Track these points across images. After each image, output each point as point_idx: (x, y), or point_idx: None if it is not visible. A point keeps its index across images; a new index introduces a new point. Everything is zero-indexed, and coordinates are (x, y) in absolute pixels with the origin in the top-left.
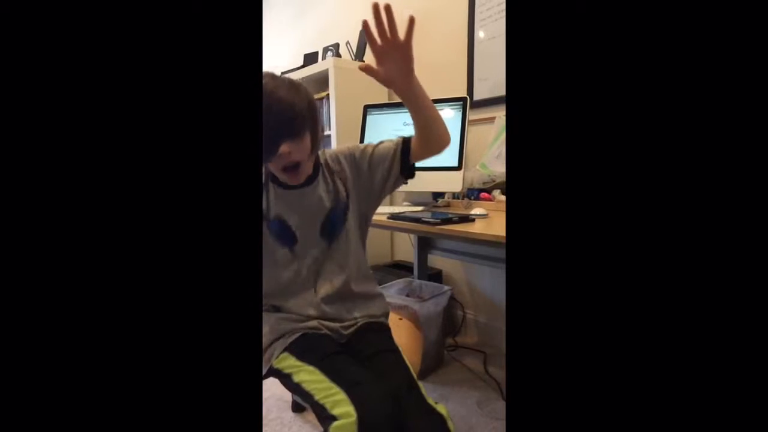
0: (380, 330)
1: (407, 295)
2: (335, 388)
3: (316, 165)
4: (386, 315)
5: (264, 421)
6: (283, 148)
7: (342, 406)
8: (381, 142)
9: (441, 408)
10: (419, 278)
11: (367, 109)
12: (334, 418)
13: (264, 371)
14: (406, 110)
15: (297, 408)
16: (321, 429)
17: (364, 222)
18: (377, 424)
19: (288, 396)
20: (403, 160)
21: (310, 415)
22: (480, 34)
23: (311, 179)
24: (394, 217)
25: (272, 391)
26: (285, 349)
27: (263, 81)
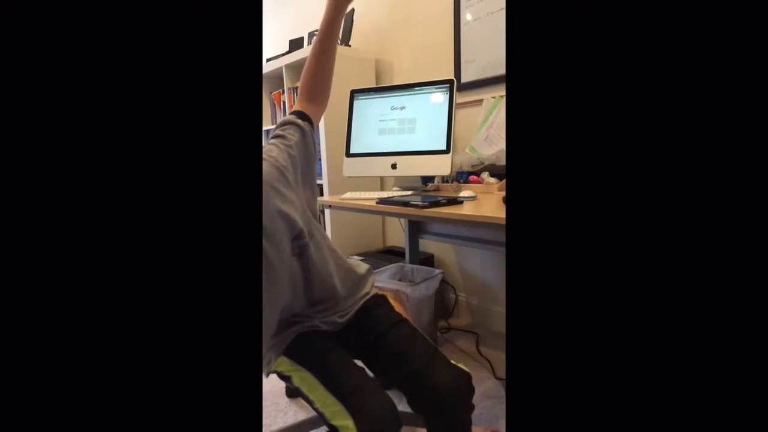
0: (381, 304)
1: (399, 280)
2: (331, 398)
3: None
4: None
5: None
6: None
7: (340, 419)
8: (273, 146)
9: (465, 368)
10: (411, 263)
11: (354, 93)
12: (335, 429)
13: (265, 377)
14: (393, 94)
15: (291, 394)
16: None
17: (315, 215)
18: (382, 431)
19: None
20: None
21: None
22: (467, 16)
23: None
24: (383, 201)
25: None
26: (283, 353)
27: None
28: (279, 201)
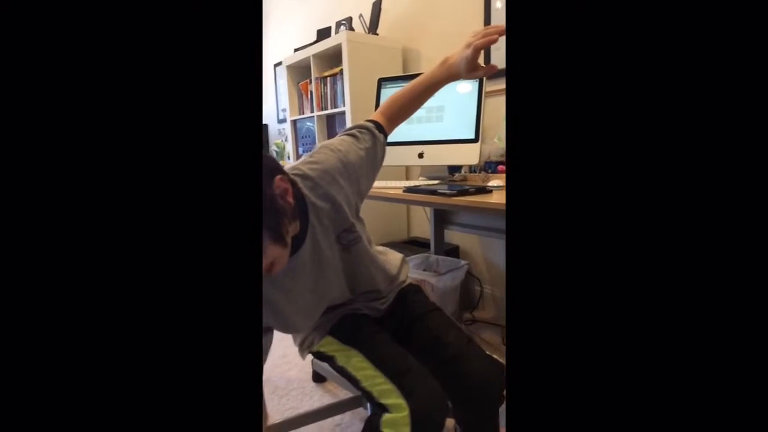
0: (416, 291)
1: (424, 270)
2: (381, 377)
3: (302, 211)
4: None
5: (286, 391)
6: None
7: (391, 397)
8: (345, 142)
9: (499, 359)
10: (436, 253)
11: (382, 82)
12: (383, 407)
13: (303, 357)
14: None
15: (318, 378)
16: (339, 398)
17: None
18: (431, 416)
19: (309, 367)
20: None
21: (331, 385)
22: (497, 3)
23: (299, 241)
24: (409, 190)
25: (295, 362)
26: (328, 333)
27: None
28: (335, 191)
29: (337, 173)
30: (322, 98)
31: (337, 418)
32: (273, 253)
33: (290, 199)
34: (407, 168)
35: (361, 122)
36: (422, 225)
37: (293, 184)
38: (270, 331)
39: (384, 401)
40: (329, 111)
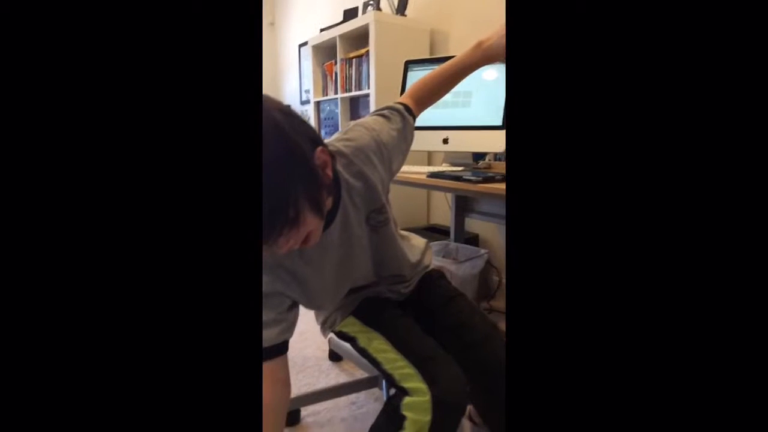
0: (440, 277)
1: (443, 257)
2: (403, 361)
3: (336, 185)
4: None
5: (302, 368)
6: (280, 241)
7: (412, 381)
8: (378, 122)
9: None
10: (455, 241)
11: (409, 64)
12: (404, 390)
13: (325, 336)
14: None
15: (334, 357)
16: (355, 378)
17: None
18: (454, 403)
19: (326, 346)
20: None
21: (347, 365)
22: None
23: (330, 217)
24: (433, 175)
25: (312, 339)
26: (351, 313)
27: None
28: (369, 170)
29: (371, 152)
30: (347, 80)
31: (352, 396)
32: (311, 225)
33: (329, 172)
34: (430, 153)
35: (390, 104)
36: (442, 212)
37: (332, 156)
38: (296, 306)
39: (405, 385)
40: (353, 93)
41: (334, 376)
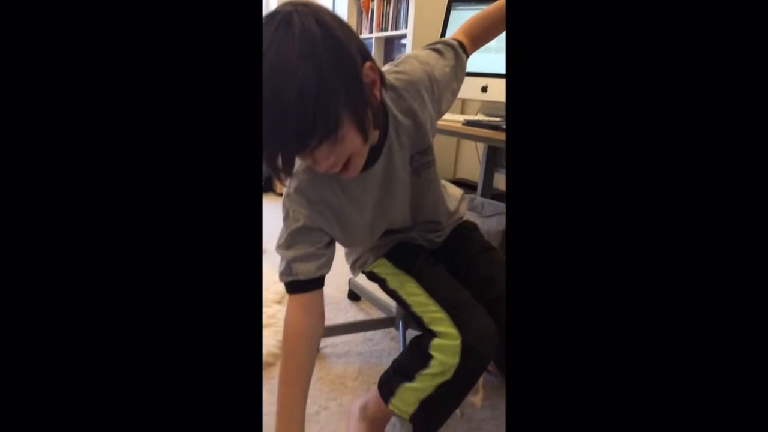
0: (473, 229)
1: (469, 210)
2: (434, 306)
3: (383, 116)
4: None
5: None
6: (318, 154)
7: (443, 325)
8: (431, 56)
9: None
10: (482, 196)
11: (452, 3)
12: (433, 333)
13: (355, 275)
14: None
15: (353, 297)
16: (372, 316)
17: None
18: (482, 351)
19: (345, 286)
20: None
21: (365, 305)
22: None
23: (376, 154)
24: (470, 123)
25: (331, 279)
26: (383, 255)
27: (263, 41)
28: (419, 107)
29: (422, 87)
30: (384, 18)
31: (369, 333)
32: (353, 145)
33: (377, 93)
34: (464, 102)
35: (444, 39)
36: (470, 166)
37: (382, 80)
38: (333, 243)
39: (435, 328)
40: (389, 33)
41: (353, 314)
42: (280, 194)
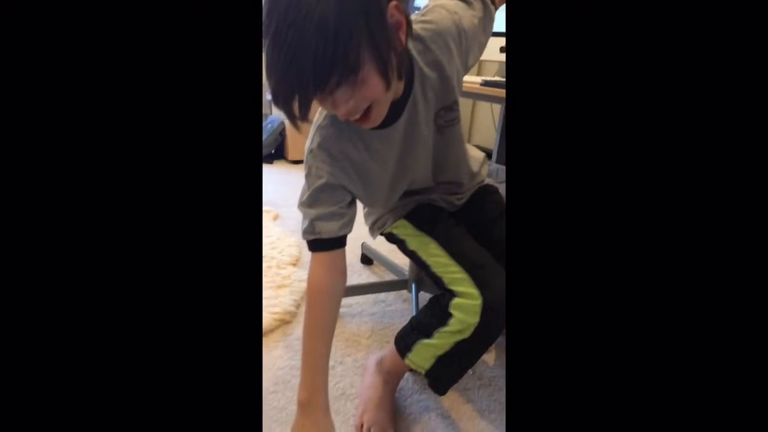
0: (493, 193)
1: None
2: (455, 266)
3: (407, 68)
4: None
5: None
6: (337, 97)
7: (463, 285)
8: (459, 5)
9: None
10: (497, 162)
11: None
12: (453, 293)
13: (374, 237)
14: None
15: (365, 260)
16: (384, 279)
17: None
18: (503, 312)
19: (358, 250)
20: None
21: (377, 268)
22: None
23: (399, 109)
24: (488, 84)
25: None
26: (403, 217)
27: None
28: (446, 59)
29: (450, 38)
30: None
31: (382, 295)
32: (374, 90)
33: (402, 36)
34: (481, 63)
35: None
36: (485, 133)
37: (408, 25)
38: (354, 202)
39: (455, 288)
40: None
41: (366, 277)
42: (292, 161)
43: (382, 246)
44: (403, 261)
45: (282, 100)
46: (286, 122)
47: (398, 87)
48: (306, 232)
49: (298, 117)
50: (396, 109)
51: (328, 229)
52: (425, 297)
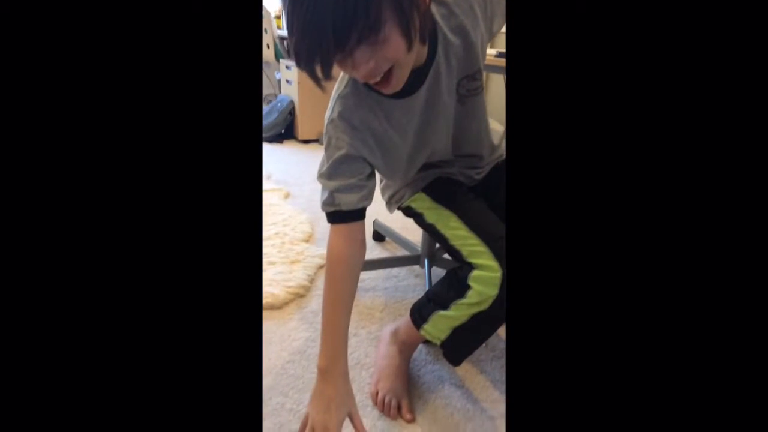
0: None
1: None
2: (474, 239)
3: (430, 33)
4: None
5: None
6: (357, 57)
7: (482, 258)
8: None
9: None
10: None
11: None
12: (471, 266)
13: (391, 211)
14: None
15: (378, 237)
16: (395, 254)
17: None
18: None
19: (370, 227)
20: None
21: (389, 245)
22: None
23: (421, 76)
24: (502, 55)
25: None
26: (421, 190)
27: None
28: (470, 25)
29: (475, 2)
30: None
31: (395, 270)
32: (395, 51)
33: None
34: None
35: None
36: (497, 109)
37: None
38: (374, 175)
39: (474, 260)
40: None
41: (378, 253)
42: (303, 141)
43: (394, 223)
44: (415, 237)
45: (304, 60)
46: (296, 101)
47: (421, 52)
48: (325, 204)
49: (321, 77)
50: (417, 77)
51: (348, 201)
52: (437, 273)
